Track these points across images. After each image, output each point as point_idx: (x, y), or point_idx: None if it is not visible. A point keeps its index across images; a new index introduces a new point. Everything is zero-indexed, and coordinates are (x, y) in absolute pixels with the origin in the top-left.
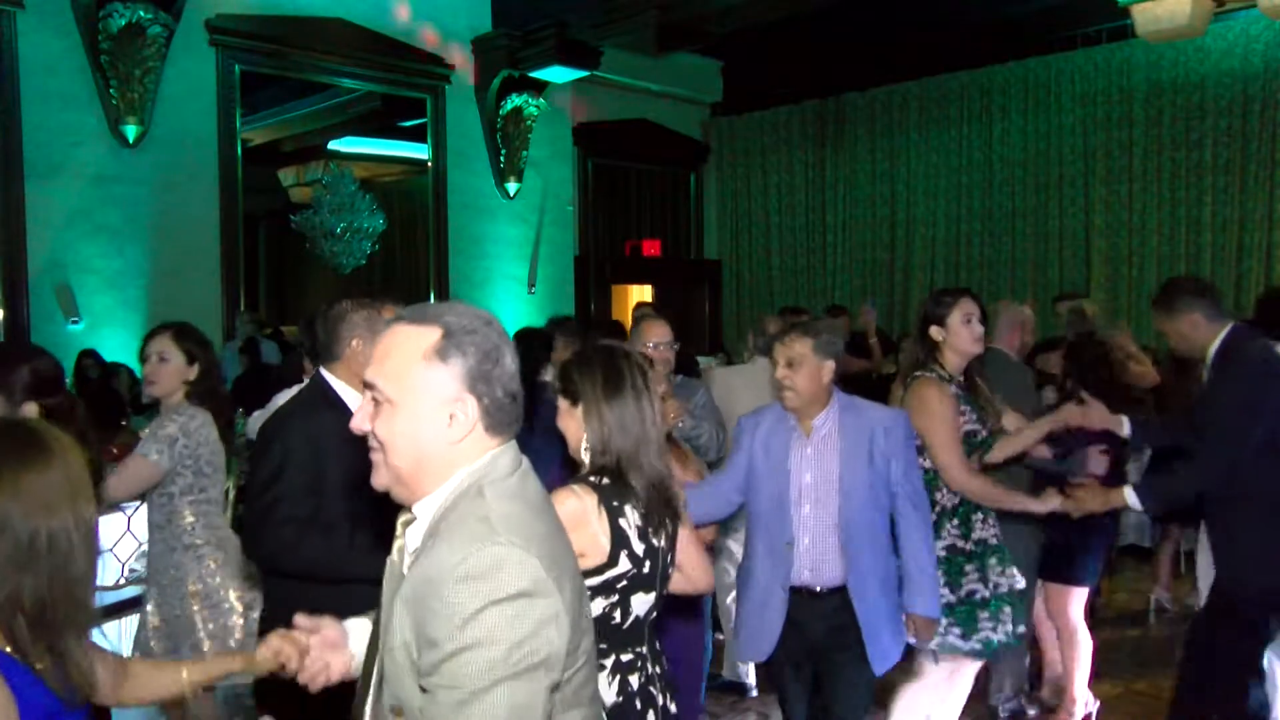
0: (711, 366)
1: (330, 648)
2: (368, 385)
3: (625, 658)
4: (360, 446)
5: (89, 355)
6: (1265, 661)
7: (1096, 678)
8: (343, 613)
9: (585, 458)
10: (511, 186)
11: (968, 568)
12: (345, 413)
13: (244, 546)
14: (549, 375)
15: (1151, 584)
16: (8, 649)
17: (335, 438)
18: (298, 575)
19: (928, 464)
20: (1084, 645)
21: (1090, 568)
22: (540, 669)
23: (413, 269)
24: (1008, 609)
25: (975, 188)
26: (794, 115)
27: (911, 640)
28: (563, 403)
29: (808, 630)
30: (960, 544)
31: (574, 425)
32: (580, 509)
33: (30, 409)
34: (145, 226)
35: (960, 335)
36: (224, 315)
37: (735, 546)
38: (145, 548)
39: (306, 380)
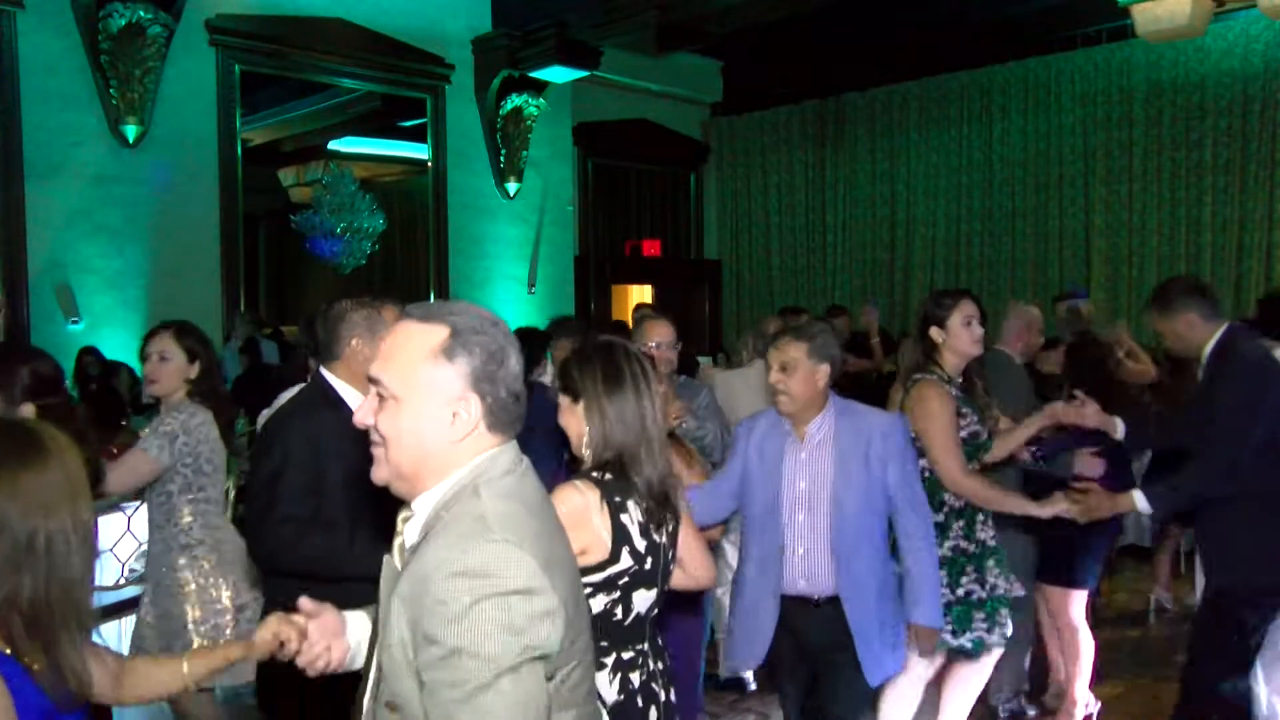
0: (709, 367)
1: (330, 633)
2: (373, 380)
3: (626, 655)
4: (361, 445)
5: (90, 352)
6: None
7: (1097, 678)
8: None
9: (587, 454)
10: (511, 186)
11: (969, 568)
12: (345, 412)
13: (247, 546)
14: (546, 376)
15: (1152, 584)
16: (5, 649)
17: (335, 437)
18: (298, 574)
19: (927, 471)
20: (1085, 646)
21: (1089, 569)
22: (540, 664)
23: (413, 269)
24: (1003, 610)
25: (975, 188)
26: (794, 115)
27: (912, 650)
28: (564, 399)
29: (806, 639)
30: (964, 545)
31: (575, 422)
32: (583, 504)
33: (28, 410)
34: (145, 226)
35: (960, 337)
36: (224, 315)
37: (730, 549)
38: (145, 547)
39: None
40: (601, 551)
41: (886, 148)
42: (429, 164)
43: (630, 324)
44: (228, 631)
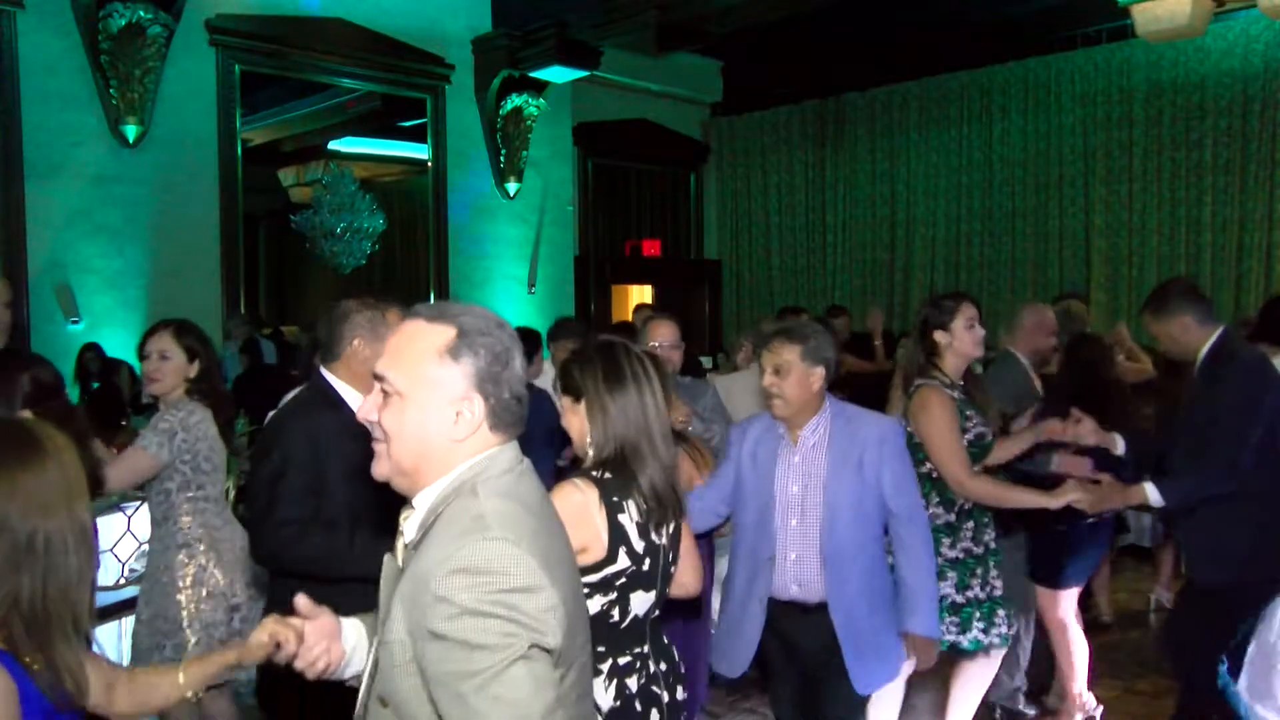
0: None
1: (327, 635)
2: (378, 377)
3: (623, 661)
4: (361, 445)
5: (91, 348)
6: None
7: (1096, 678)
8: (343, 611)
9: (590, 453)
10: (511, 186)
11: (977, 570)
12: (345, 412)
13: (249, 545)
14: (544, 379)
15: (1152, 583)
16: (4, 649)
17: (335, 436)
18: (298, 575)
19: (936, 472)
20: (1077, 644)
21: (1074, 570)
22: (548, 655)
23: (413, 269)
24: (1001, 612)
25: (975, 188)
26: (794, 115)
27: (909, 662)
28: (566, 400)
29: (798, 644)
30: (973, 547)
31: (578, 422)
32: (582, 502)
33: (26, 417)
34: (145, 226)
35: (964, 340)
36: (224, 315)
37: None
38: (145, 546)
39: None
40: (599, 550)
41: (886, 148)
42: (429, 164)
43: (636, 324)
44: (219, 630)
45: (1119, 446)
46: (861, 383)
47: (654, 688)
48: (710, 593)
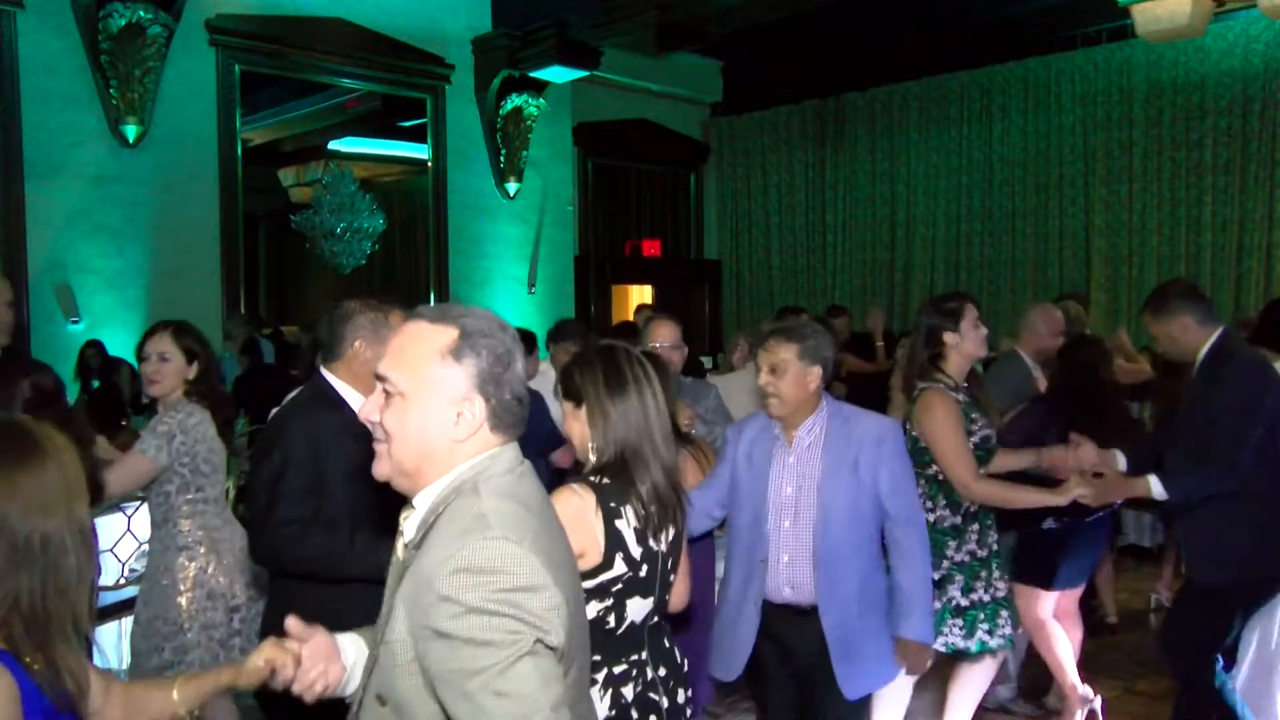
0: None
1: (323, 657)
2: (380, 378)
3: (618, 669)
4: (361, 445)
5: (92, 345)
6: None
7: (1096, 678)
8: (343, 611)
9: (592, 458)
10: (511, 186)
11: (981, 572)
12: (346, 412)
13: (249, 546)
14: (537, 380)
15: (1154, 582)
16: (3, 647)
17: (335, 436)
18: (299, 575)
19: (942, 475)
20: (1058, 640)
21: (1068, 571)
22: (553, 652)
23: (413, 269)
24: (1005, 613)
25: (975, 188)
26: (794, 115)
27: (901, 668)
28: (567, 405)
29: (792, 647)
30: (977, 550)
31: (579, 426)
32: (580, 507)
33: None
34: (145, 226)
35: (971, 339)
36: (224, 315)
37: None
38: (145, 546)
39: None
40: (596, 556)
41: (886, 148)
42: (429, 164)
43: (638, 325)
44: (219, 631)
45: (1120, 463)
46: (862, 383)
47: (651, 694)
48: (712, 592)
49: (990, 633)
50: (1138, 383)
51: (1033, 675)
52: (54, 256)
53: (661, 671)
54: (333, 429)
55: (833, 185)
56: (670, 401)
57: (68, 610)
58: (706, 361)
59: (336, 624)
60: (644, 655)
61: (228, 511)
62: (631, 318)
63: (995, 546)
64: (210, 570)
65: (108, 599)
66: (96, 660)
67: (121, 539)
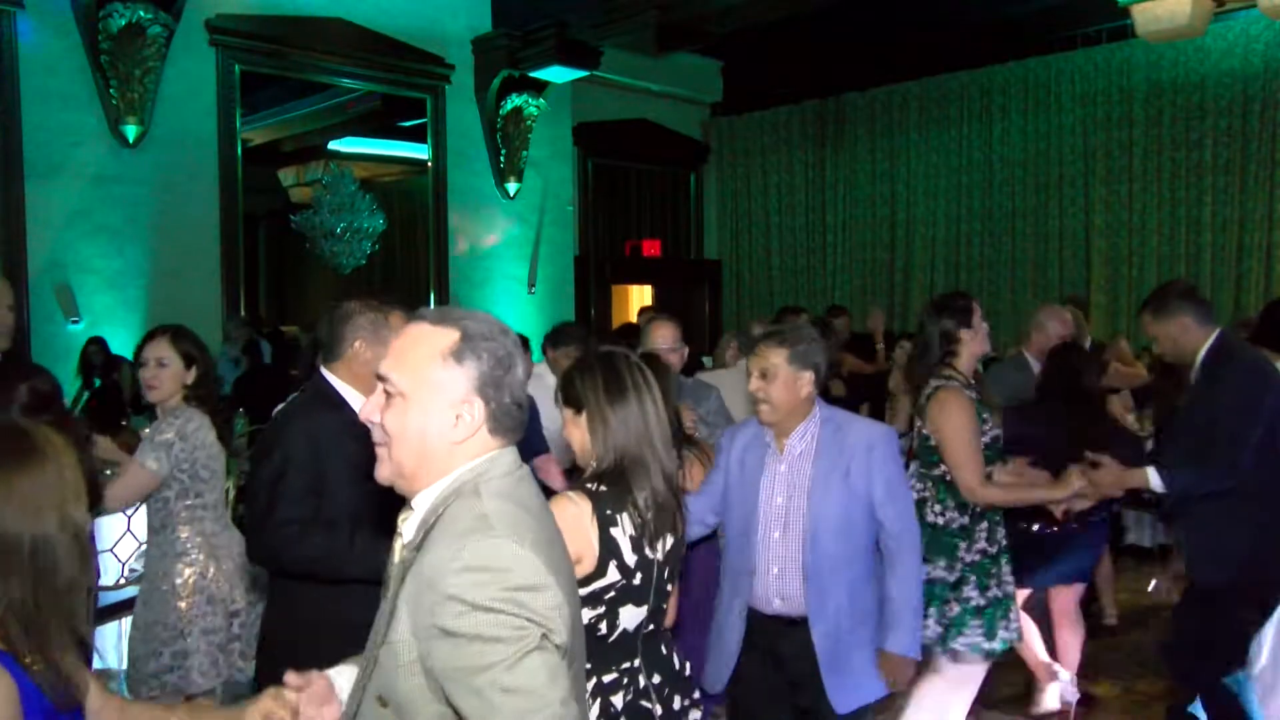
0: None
1: (320, 701)
2: (381, 378)
3: (608, 678)
4: (362, 445)
5: (95, 342)
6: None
7: (1096, 678)
8: (343, 611)
9: (591, 464)
10: (511, 186)
11: (993, 570)
12: (346, 413)
13: (246, 547)
14: (532, 383)
15: (1153, 580)
16: (2, 647)
17: (336, 437)
18: (299, 576)
19: (950, 475)
20: (1027, 629)
21: (1040, 574)
22: (557, 650)
23: (413, 269)
24: (1012, 609)
25: (975, 188)
26: (794, 115)
27: (876, 685)
28: (567, 412)
29: (785, 658)
30: (988, 548)
31: (579, 433)
32: (576, 514)
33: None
34: (145, 226)
35: (980, 336)
36: (224, 315)
37: None
38: (144, 546)
39: None
40: (590, 563)
41: (886, 148)
42: (429, 164)
43: (641, 326)
44: (221, 635)
45: (1154, 481)
46: (862, 383)
47: (644, 703)
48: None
49: (1006, 628)
50: (1135, 387)
51: (1031, 676)
52: (54, 256)
53: (656, 679)
54: (333, 429)
55: (833, 185)
56: (670, 404)
57: (63, 612)
58: (707, 362)
59: (336, 624)
60: (636, 663)
61: (226, 517)
62: (633, 318)
63: (1004, 542)
64: (210, 575)
65: (108, 599)
66: (95, 663)
67: (121, 539)
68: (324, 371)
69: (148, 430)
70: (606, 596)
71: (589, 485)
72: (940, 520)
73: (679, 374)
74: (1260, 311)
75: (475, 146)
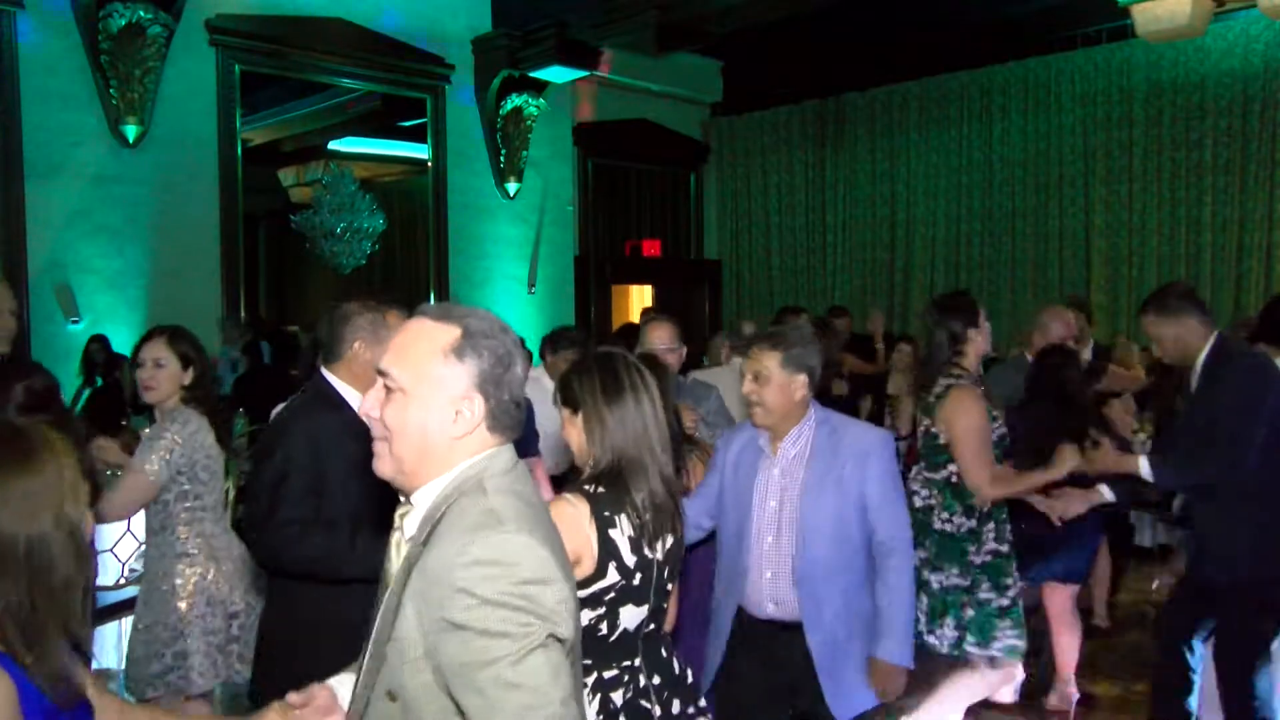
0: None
1: (325, 713)
2: (382, 373)
3: (608, 674)
4: (362, 446)
5: (97, 340)
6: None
7: (1096, 678)
8: (343, 611)
9: (589, 466)
10: (511, 186)
11: (1006, 567)
12: (346, 413)
13: (247, 547)
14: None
15: (1153, 583)
16: (1, 648)
17: (336, 437)
18: (299, 575)
19: (956, 477)
20: None
21: (1035, 568)
22: (562, 646)
23: (413, 269)
24: (1020, 610)
25: (975, 188)
26: (794, 115)
27: (873, 692)
28: (565, 413)
29: (781, 664)
30: (999, 547)
31: (576, 434)
32: (575, 515)
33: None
34: (145, 226)
35: (985, 334)
36: (224, 315)
37: None
38: (144, 547)
39: None
40: (590, 564)
41: (886, 148)
42: (429, 164)
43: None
44: (221, 636)
45: (1144, 469)
46: (862, 383)
47: (643, 702)
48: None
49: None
50: (1135, 390)
51: (1033, 675)
52: (54, 256)
53: (655, 680)
54: (333, 429)
55: (833, 185)
56: (669, 405)
57: (60, 613)
58: (706, 362)
59: (336, 624)
60: (637, 662)
61: (226, 518)
62: (633, 318)
63: (1012, 539)
64: (210, 577)
65: (107, 599)
66: (95, 663)
67: (121, 539)
68: (324, 372)
69: (146, 432)
70: (607, 598)
71: (586, 487)
72: (948, 527)
73: (678, 374)
74: (1261, 308)
75: (475, 146)
